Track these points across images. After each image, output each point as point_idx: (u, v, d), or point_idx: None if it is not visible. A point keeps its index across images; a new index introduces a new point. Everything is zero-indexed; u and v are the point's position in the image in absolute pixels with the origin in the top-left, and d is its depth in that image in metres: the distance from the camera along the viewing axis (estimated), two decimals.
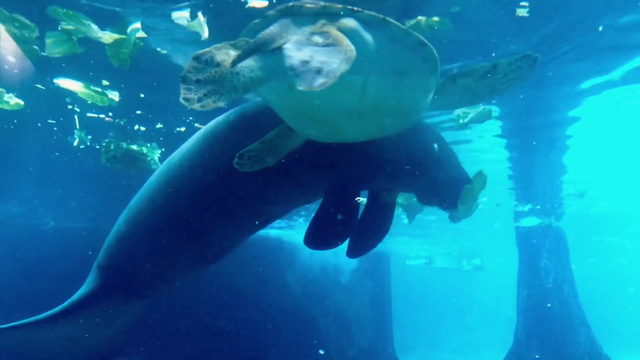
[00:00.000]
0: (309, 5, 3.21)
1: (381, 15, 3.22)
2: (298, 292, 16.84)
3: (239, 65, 2.97)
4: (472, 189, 4.46)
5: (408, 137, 4.60)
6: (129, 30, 4.98)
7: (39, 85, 6.63)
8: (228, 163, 4.46)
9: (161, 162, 7.99)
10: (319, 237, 4.71)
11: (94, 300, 5.67)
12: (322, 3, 3.23)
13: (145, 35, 5.12)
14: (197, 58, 2.95)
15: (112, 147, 7.79)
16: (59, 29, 4.99)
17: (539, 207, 15.97)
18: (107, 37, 5.03)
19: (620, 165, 12.39)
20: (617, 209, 18.95)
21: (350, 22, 3.20)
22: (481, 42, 5.68)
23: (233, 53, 3.01)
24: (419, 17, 4.90)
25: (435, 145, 4.76)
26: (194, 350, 13.91)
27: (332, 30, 3.09)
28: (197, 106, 2.89)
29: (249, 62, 3.04)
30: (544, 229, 16.14)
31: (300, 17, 3.20)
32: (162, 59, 5.95)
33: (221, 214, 5.01)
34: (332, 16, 3.21)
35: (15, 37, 5.27)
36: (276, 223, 16.37)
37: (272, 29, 3.08)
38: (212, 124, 5.00)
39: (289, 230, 18.20)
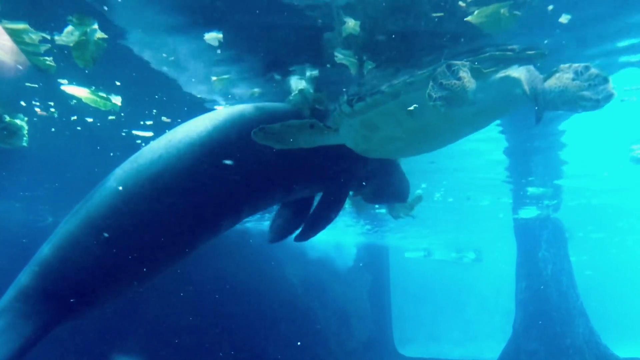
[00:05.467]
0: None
1: None
2: (297, 286, 16.88)
3: (472, 87, 3.71)
4: (410, 203, 6.38)
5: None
6: (87, 30, 5.05)
7: (30, 84, 6.64)
8: (251, 165, 4.89)
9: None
10: (313, 232, 5.56)
11: (41, 336, 4.94)
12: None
13: (105, 36, 5.14)
14: (448, 66, 3.70)
15: None
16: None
17: (544, 201, 16.01)
18: (69, 38, 5.18)
19: (615, 161, 12.39)
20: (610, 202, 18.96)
21: None
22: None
23: (469, 74, 3.74)
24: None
25: (394, 162, 6.05)
26: (194, 345, 13.95)
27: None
28: (431, 103, 3.66)
29: (482, 91, 3.80)
30: (542, 221, 16.17)
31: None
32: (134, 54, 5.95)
33: (215, 221, 5.16)
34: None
35: (25, 52, 5.45)
36: None
37: (536, 78, 3.80)
38: (218, 126, 4.97)
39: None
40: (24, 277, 5.05)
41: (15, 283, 5.13)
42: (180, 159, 4.82)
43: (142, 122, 8.12)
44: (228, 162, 4.88)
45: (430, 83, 3.66)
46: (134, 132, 8.51)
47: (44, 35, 5.22)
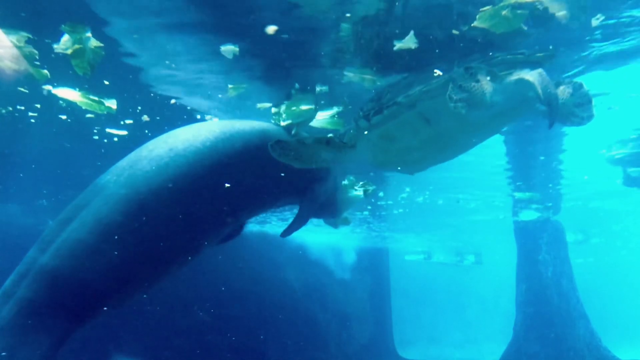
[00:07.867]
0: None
1: None
2: (297, 289, 16.87)
3: (490, 90, 3.78)
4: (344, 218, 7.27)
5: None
6: (82, 38, 5.11)
7: (22, 89, 6.67)
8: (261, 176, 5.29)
9: None
10: (291, 231, 6.25)
11: (57, 350, 4.86)
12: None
13: (101, 44, 5.18)
14: (467, 69, 3.76)
15: None
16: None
17: (540, 204, 16.01)
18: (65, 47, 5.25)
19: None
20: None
21: None
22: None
23: (488, 78, 3.82)
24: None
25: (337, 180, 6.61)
26: (193, 347, 13.94)
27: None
28: (452, 105, 3.70)
29: (497, 94, 3.88)
30: (542, 223, 16.16)
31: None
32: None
33: (219, 223, 5.46)
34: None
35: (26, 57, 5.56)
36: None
37: (548, 81, 3.85)
38: (219, 137, 5.19)
39: None
40: (24, 290, 4.78)
41: (10, 296, 4.83)
42: (191, 166, 5.01)
43: (122, 122, 8.07)
44: (233, 171, 5.13)
45: (450, 85, 3.72)
46: (108, 129, 8.41)
47: (28, 35, 5.26)
